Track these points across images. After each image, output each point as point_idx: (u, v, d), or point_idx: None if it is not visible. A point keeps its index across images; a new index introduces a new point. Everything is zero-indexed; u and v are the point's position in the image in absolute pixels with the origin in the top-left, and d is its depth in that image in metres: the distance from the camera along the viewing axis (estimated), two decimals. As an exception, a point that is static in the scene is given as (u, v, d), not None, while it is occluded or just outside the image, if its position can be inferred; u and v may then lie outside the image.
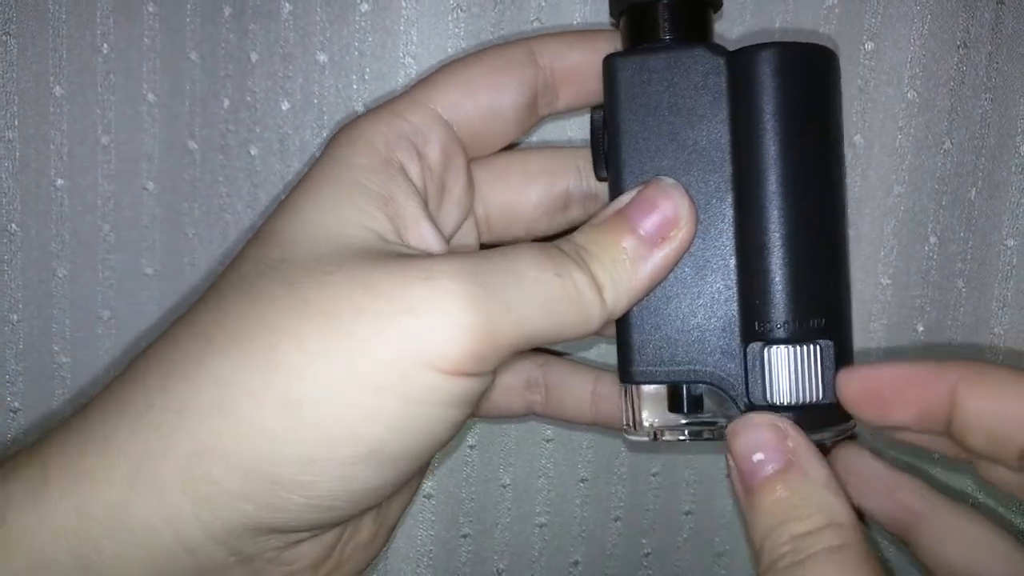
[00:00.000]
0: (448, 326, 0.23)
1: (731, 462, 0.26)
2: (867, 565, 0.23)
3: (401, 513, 0.30)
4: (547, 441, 0.42)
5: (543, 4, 0.37)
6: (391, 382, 0.23)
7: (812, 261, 0.27)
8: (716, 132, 0.28)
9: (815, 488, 0.25)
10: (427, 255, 0.26)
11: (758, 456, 0.25)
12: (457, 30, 0.37)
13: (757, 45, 0.27)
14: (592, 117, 0.29)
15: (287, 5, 0.38)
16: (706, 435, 0.29)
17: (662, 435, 0.29)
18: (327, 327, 0.23)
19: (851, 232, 0.38)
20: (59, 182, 0.39)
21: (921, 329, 0.40)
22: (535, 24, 0.37)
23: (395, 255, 0.25)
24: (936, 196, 0.39)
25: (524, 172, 0.32)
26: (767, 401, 0.27)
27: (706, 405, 0.28)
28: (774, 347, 0.27)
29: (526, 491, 0.42)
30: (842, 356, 0.27)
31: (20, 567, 0.22)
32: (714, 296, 0.28)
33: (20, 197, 0.39)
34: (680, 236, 0.27)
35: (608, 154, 0.28)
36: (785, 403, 0.27)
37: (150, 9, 0.38)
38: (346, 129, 0.28)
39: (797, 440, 0.25)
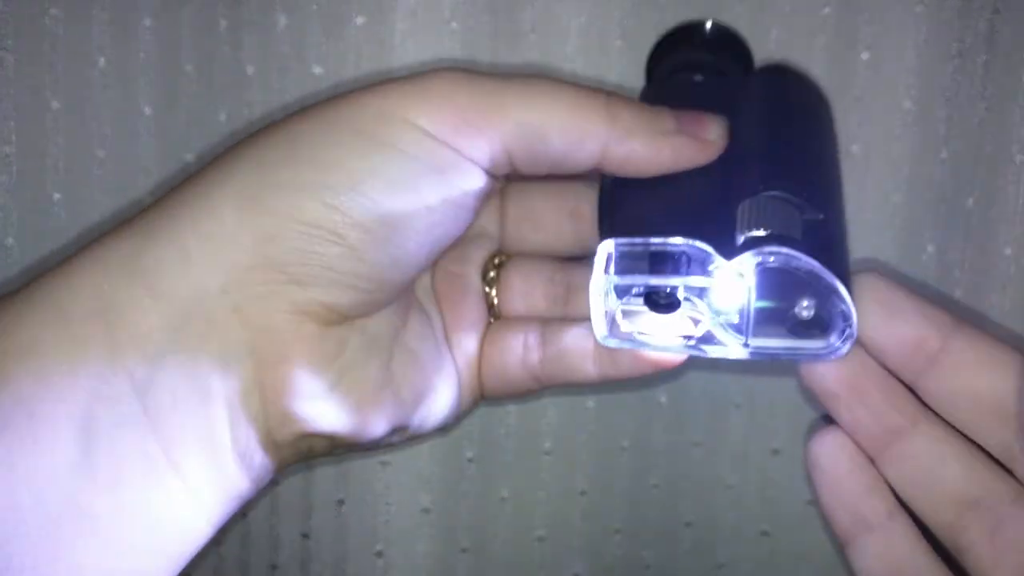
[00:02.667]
0: (437, 94, 0.26)
1: None
2: None
3: (414, 400, 0.29)
4: (546, 454, 0.42)
5: (538, 18, 0.37)
6: (372, 127, 0.26)
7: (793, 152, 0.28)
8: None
9: None
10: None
11: None
12: (452, 43, 0.38)
13: (758, 71, 0.28)
14: (602, 181, 0.29)
15: (283, 18, 0.38)
16: (673, 345, 0.28)
17: (630, 336, 0.28)
18: (336, 96, 0.27)
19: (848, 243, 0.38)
20: (56, 196, 0.39)
21: (920, 339, 0.40)
22: (530, 36, 0.37)
23: None
24: (933, 205, 0.39)
25: (560, 206, 0.34)
26: (769, 230, 0.26)
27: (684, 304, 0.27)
28: (772, 193, 0.26)
29: (525, 504, 0.42)
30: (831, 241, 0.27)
31: (45, 318, 0.25)
32: (707, 199, 0.27)
33: (17, 211, 0.39)
34: (706, 143, 0.28)
35: (615, 213, 0.29)
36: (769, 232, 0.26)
37: (146, 23, 0.38)
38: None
39: None
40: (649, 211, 0.27)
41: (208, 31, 0.38)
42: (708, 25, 0.31)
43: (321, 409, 0.27)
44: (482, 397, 0.32)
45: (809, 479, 0.29)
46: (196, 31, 0.38)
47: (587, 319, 0.29)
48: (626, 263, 0.27)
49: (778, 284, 0.26)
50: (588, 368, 0.31)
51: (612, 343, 0.28)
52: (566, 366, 0.31)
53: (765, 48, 0.37)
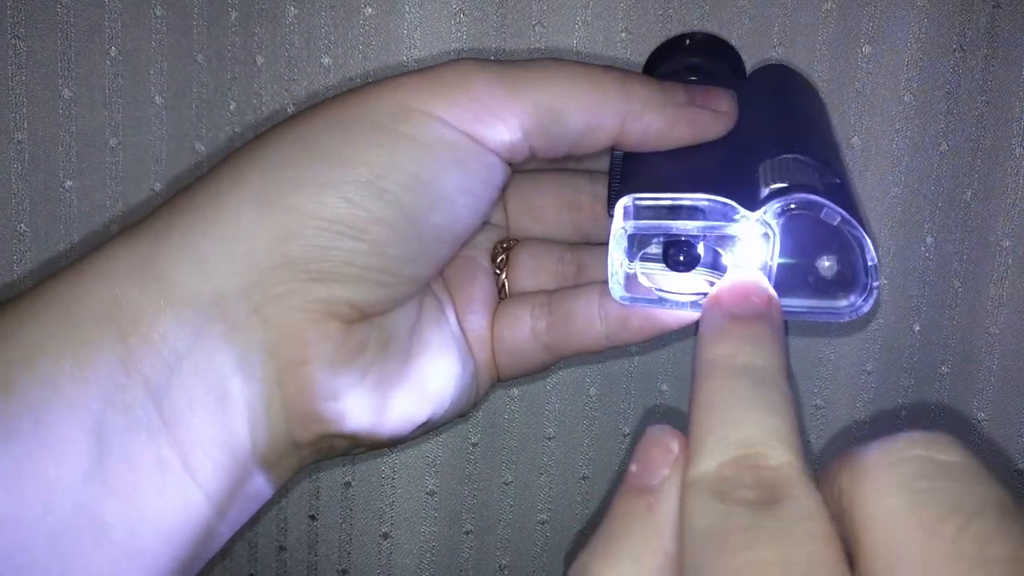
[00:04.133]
0: (454, 82, 0.25)
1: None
2: None
3: (437, 394, 0.29)
4: (548, 439, 0.42)
5: (545, 8, 0.38)
6: (392, 120, 0.25)
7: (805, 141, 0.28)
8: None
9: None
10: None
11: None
12: (460, 34, 0.38)
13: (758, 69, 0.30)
14: (612, 155, 0.30)
15: (292, 9, 0.38)
16: (690, 303, 0.28)
17: (646, 295, 0.28)
18: (352, 90, 0.26)
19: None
20: (68, 183, 0.39)
21: (918, 329, 0.40)
22: (537, 28, 0.38)
23: None
24: (932, 197, 0.39)
25: (560, 195, 0.34)
26: (792, 182, 0.26)
27: (700, 266, 0.27)
28: (790, 155, 0.26)
29: (528, 488, 0.43)
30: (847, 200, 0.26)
31: (53, 322, 0.24)
32: (725, 164, 0.27)
33: (29, 198, 0.39)
34: (719, 115, 0.28)
35: (622, 189, 0.29)
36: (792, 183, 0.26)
37: (157, 13, 0.38)
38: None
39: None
40: (666, 174, 0.27)
41: (219, 21, 0.38)
42: (700, 35, 0.32)
43: (344, 409, 0.26)
44: (498, 379, 0.32)
45: None
46: (207, 21, 0.39)
47: (596, 283, 0.30)
48: (646, 215, 0.27)
49: (800, 241, 0.26)
50: (597, 330, 0.31)
51: (628, 300, 0.28)
52: (575, 330, 0.31)
53: (768, 42, 0.38)
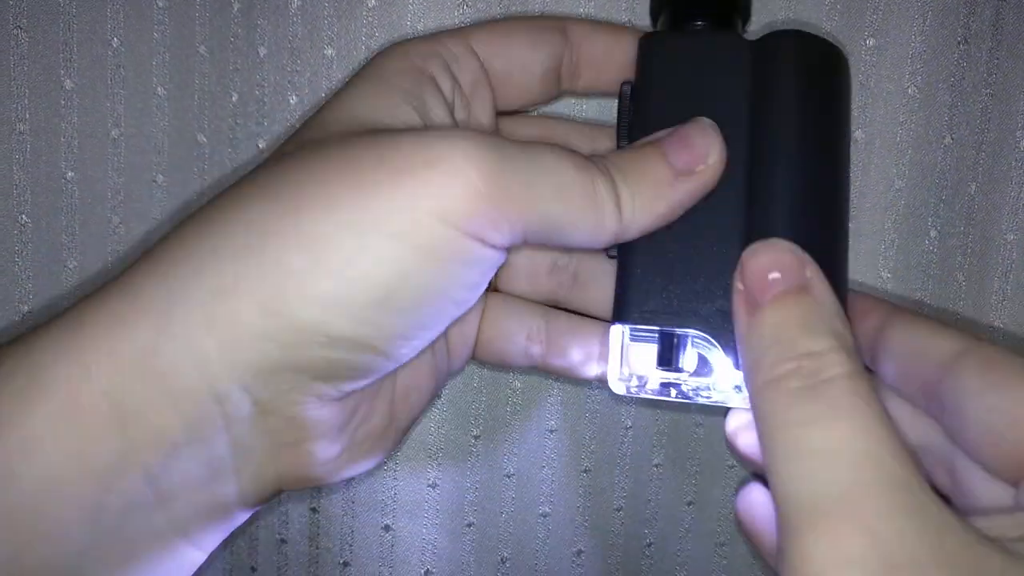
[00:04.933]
0: (463, 183, 0.24)
1: (739, 284, 0.25)
2: (878, 402, 0.23)
3: (411, 420, 0.31)
4: (551, 432, 0.42)
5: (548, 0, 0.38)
6: (404, 230, 0.24)
7: (812, 227, 0.28)
8: (736, 107, 0.29)
9: (829, 313, 0.24)
10: (451, 126, 0.28)
11: (774, 275, 0.25)
12: (464, 25, 0.38)
13: (781, 31, 0.29)
14: (621, 89, 0.30)
15: (295, 0, 0.38)
16: (687, 396, 0.29)
17: (643, 388, 0.29)
18: (350, 175, 0.24)
19: (852, 226, 0.39)
20: (69, 174, 0.39)
21: (921, 322, 0.40)
22: (540, 19, 0.38)
23: (421, 126, 0.27)
24: (936, 191, 0.39)
25: (546, 129, 0.34)
26: None
27: (694, 366, 0.29)
28: None
29: (530, 481, 0.43)
30: None
31: (54, 411, 0.23)
32: (720, 253, 0.28)
33: (31, 189, 0.39)
34: (706, 173, 0.27)
35: (632, 122, 0.30)
36: None
37: (160, 3, 0.38)
38: (389, 46, 0.30)
39: (814, 271, 0.25)
40: (674, 117, 0.28)
41: (221, 12, 0.38)
42: None
43: (336, 466, 0.28)
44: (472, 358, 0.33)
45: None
46: (209, 12, 0.38)
47: (599, 324, 0.32)
48: (640, 342, 0.29)
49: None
50: (593, 370, 0.32)
51: (625, 392, 0.30)
52: (570, 363, 0.33)
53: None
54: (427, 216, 0.24)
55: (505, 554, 0.44)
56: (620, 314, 0.29)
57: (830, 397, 0.23)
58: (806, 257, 0.25)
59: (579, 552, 0.44)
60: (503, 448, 0.42)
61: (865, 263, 0.40)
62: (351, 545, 0.43)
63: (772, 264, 0.25)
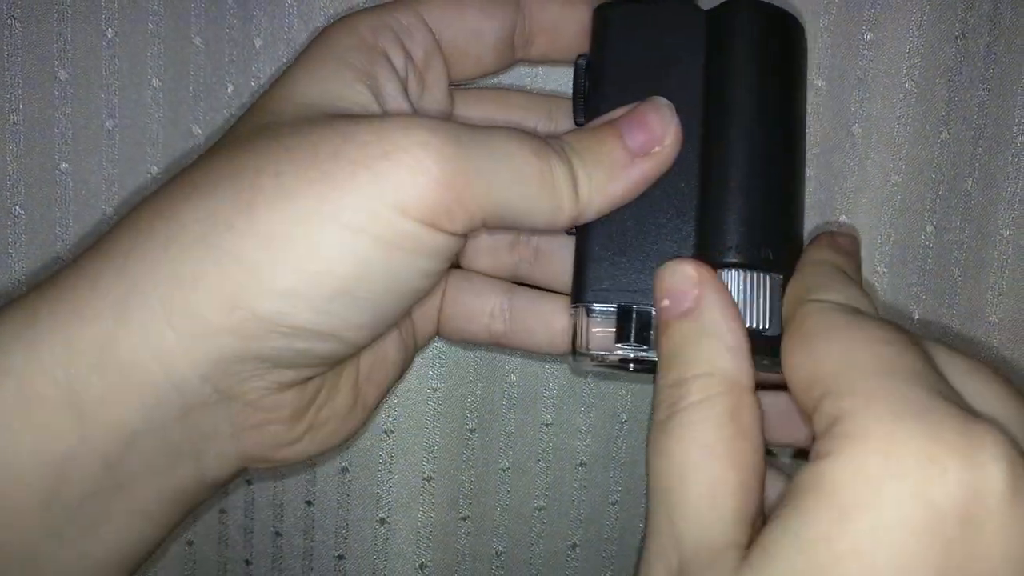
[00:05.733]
0: (420, 174, 0.24)
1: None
2: (734, 422, 0.23)
3: (379, 397, 0.31)
4: (546, 425, 0.42)
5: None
6: (362, 222, 0.24)
7: (767, 198, 0.28)
8: (692, 80, 0.29)
9: (700, 336, 0.25)
10: (407, 114, 0.28)
11: (664, 301, 0.26)
12: None
13: (734, 2, 0.29)
14: (576, 63, 0.30)
15: (291, -9, 0.38)
16: (648, 370, 0.29)
17: (604, 363, 0.29)
18: (306, 168, 0.24)
19: (847, 220, 0.39)
20: (63, 166, 0.39)
21: (917, 317, 0.40)
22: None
23: (376, 114, 0.27)
24: (933, 186, 0.39)
25: (503, 104, 0.33)
26: None
27: (652, 340, 0.29)
28: (723, 271, 0.27)
29: (525, 474, 0.43)
30: None
31: (8, 400, 0.23)
32: (675, 229, 0.28)
33: (24, 180, 0.39)
34: (663, 154, 0.28)
35: (589, 96, 0.30)
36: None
37: (155, -6, 0.38)
38: (337, 20, 0.29)
39: (706, 286, 0.25)
40: (623, 262, 0.29)
41: (217, 4, 0.38)
42: None
43: (299, 449, 0.28)
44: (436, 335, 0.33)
45: None
46: (205, 3, 0.38)
47: (561, 298, 0.32)
48: (601, 323, 0.29)
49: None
50: (557, 345, 0.32)
51: (587, 368, 0.30)
52: (533, 342, 0.33)
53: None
54: (385, 208, 0.24)
55: (500, 548, 0.44)
56: (579, 294, 0.29)
57: (675, 428, 0.23)
58: (699, 277, 0.25)
59: (574, 546, 0.44)
60: (498, 442, 0.42)
61: (862, 257, 0.39)
62: (346, 538, 0.43)
63: (661, 291, 0.26)
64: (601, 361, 0.29)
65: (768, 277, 0.27)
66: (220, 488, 0.28)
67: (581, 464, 0.43)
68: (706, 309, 0.25)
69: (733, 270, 0.27)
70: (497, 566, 0.44)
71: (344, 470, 0.43)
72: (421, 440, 0.42)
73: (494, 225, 0.26)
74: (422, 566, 0.43)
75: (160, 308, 0.24)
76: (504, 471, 0.43)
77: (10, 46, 0.38)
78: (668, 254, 0.28)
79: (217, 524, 0.43)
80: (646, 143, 0.27)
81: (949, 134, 0.38)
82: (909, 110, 0.38)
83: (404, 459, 0.42)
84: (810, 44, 0.38)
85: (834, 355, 0.22)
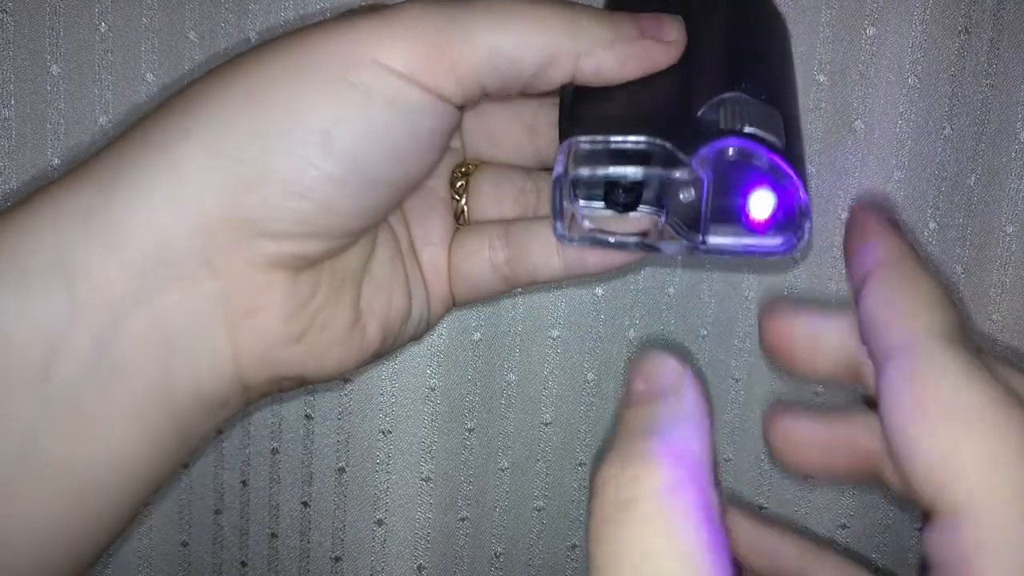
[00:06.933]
0: (400, 27, 0.25)
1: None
2: (673, 532, 0.19)
3: (379, 334, 0.30)
4: (545, 425, 0.42)
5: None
6: (343, 71, 0.25)
7: (760, 58, 0.29)
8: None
9: (681, 425, 0.22)
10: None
11: (639, 387, 0.23)
12: None
13: None
14: (562, 91, 0.29)
15: (287, -15, 0.37)
16: (631, 241, 0.29)
17: (591, 234, 0.29)
18: (301, 33, 0.26)
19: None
20: (56, 162, 0.39)
21: (919, 315, 0.40)
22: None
23: None
24: (936, 182, 0.39)
25: None
26: (727, 126, 0.26)
27: (641, 205, 0.28)
28: (730, 93, 0.27)
29: (524, 475, 0.42)
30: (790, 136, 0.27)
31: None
32: (668, 99, 0.28)
33: (16, 176, 0.39)
34: (670, 47, 0.28)
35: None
36: (746, 130, 0.26)
37: (148, -12, 0.38)
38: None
39: (689, 376, 0.23)
40: (610, 112, 0.28)
41: (211, -3, 0.38)
42: None
43: (295, 354, 0.27)
44: (453, 304, 0.32)
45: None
46: (199, -3, 0.38)
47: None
48: (588, 159, 0.27)
49: (734, 182, 0.27)
50: (554, 264, 0.31)
51: (568, 241, 0.29)
52: (532, 262, 0.32)
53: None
54: (367, 60, 0.25)
55: (499, 548, 0.43)
56: (565, 134, 0.28)
57: (627, 517, 0.20)
58: (680, 371, 0.23)
59: (574, 546, 0.43)
60: (497, 442, 0.42)
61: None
62: (343, 540, 0.43)
63: (637, 378, 0.23)
64: (588, 230, 0.28)
65: (770, 108, 0.27)
66: (218, 418, 0.27)
67: (581, 464, 0.42)
68: (688, 394, 0.22)
69: (739, 93, 0.27)
70: (496, 567, 0.43)
71: (341, 470, 0.42)
72: (419, 440, 0.42)
73: (491, 81, 0.26)
74: (420, 568, 0.43)
75: (150, 172, 0.24)
76: (503, 471, 0.42)
77: (2, 40, 0.37)
78: (663, 107, 0.27)
79: (212, 525, 0.43)
80: (656, 30, 0.28)
81: (952, 130, 0.38)
82: (911, 106, 0.38)
83: (402, 459, 0.42)
84: (811, 39, 0.38)
85: (974, 450, 0.20)
